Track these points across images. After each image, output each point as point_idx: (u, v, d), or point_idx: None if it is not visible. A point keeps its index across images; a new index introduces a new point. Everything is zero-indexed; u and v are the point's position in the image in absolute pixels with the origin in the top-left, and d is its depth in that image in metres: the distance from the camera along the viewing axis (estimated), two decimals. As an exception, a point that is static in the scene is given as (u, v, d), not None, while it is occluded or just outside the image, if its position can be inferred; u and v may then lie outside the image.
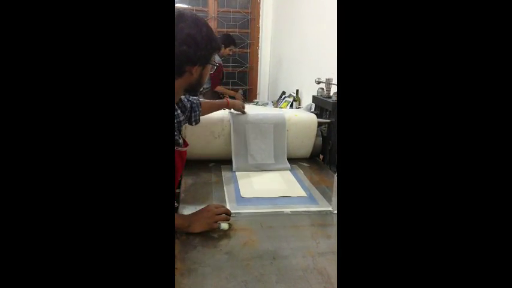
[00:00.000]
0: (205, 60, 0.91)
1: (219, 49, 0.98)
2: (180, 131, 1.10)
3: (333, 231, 0.97)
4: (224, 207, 0.98)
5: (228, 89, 3.56)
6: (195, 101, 1.23)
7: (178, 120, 1.05)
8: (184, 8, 3.76)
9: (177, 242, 0.87)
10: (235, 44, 3.22)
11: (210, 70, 0.97)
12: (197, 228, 0.91)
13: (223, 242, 0.88)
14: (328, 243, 0.90)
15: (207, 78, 0.98)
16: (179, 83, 0.90)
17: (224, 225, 0.92)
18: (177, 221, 0.89)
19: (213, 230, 0.91)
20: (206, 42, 0.88)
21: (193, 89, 0.97)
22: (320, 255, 0.84)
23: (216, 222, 0.92)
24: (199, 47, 0.87)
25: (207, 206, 0.97)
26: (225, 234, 0.92)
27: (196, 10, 3.88)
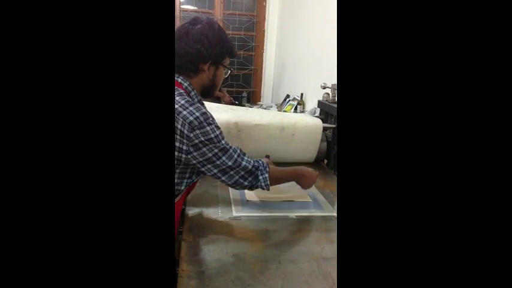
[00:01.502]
0: (217, 59, 0.97)
1: (232, 53, 1.01)
2: None
3: (336, 236, 0.97)
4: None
5: (227, 92, 3.58)
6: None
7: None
8: (196, 13, 3.80)
9: (183, 244, 0.88)
10: None
11: (224, 74, 1.01)
12: (307, 185, 1.12)
13: (230, 245, 0.89)
14: (332, 248, 0.91)
15: (221, 82, 1.02)
16: (195, 82, 0.97)
17: None
18: (288, 175, 1.10)
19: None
20: (218, 41, 0.95)
21: (208, 90, 1.01)
22: (325, 260, 0.85)
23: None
24: (211, 45, 0.94)
25: (310, 170, 1.13)
26: (231, 237, 0.93)
27: (202, 12, 3.90)
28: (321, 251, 0.89)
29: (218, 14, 3.98)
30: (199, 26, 0.94)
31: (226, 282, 0.74)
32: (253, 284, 0.74)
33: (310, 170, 1.13)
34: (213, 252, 0.86)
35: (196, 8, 3.90)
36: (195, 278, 0.75)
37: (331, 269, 0.81)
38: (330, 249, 0.90)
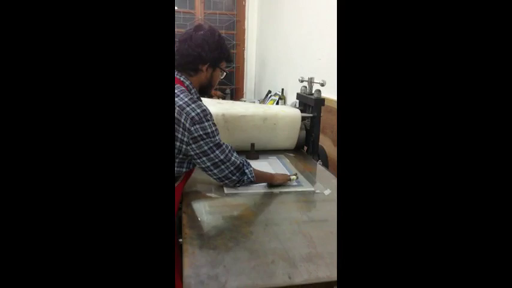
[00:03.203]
0: (215, 62, 1.14)
1: (229, 58, 1.19)
2: None
3: (314, 205, 1.16)
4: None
5: (216, 89, 3.75)
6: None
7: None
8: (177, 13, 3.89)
9: (184, 215, 1.03)
10: None
11: (220, 76, 1.18)
12: (279, 180, 1.25)
13: (224, 215, 1.04)
14: (310, 214, 1.07)
15: (217, 83, 1.20)
16: (194, 80, 1.14)
17: (293, 177, 1.28)
18: (265, 175, 1.24)
19: (286, 182, 1.27)
20: (216, 47, 1.12)
21: (205, 89, 1.18)
22: (304, 223, 1.01)
23: (288, 178, 1.27)
24: (210, 49, 1.11)
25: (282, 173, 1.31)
26: (225, 208, 1.09)
27: (183, 12, 4.02)
28: (301, 216, 1.05)
29: (199, 13, 4.11)
30: (201, 32, 1.11)
31: (223, 240, 0.90)
32: (245, 241, 0.90)
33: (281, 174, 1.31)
34: (210, 220, 1.01)
35: (176, 8, 4.01)
36: (197, 239, 0.90)
37: (310, 229, 0.97)
38: (308, 215, 1.06)
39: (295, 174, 1.31)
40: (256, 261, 0.81)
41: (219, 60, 1.16)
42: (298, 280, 0.75)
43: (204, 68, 1.13)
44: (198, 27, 1.13)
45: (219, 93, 3.72)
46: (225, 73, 1.21)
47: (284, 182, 1.27)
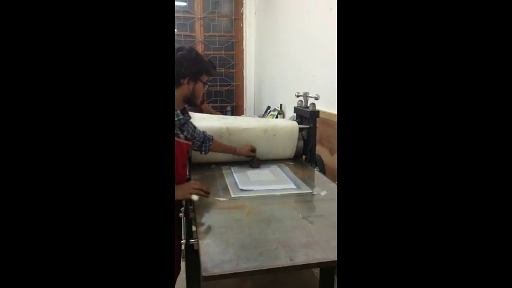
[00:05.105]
0: (194, 76, 1.31)
1: (208, 72, 1.36)
2: (180, 128, 1.41)
3: (312, 204, 1.29)
4: (202, 185, 1.26)
5: (212, 107, 3.92)
6: (207, 135, 1.58)
7: (178, 118, 1.37)
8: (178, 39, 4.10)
9: (196, 216, 1.16)
10: None
11: (203, 88, 1.35)
12: (177, 195, 1.18)
13: (231, 213, 1.18)
14: (308, 211, 1.21)
15: (201, 94, 1.36)
16: (178, 92, 1.31)
17: (194, 197, 1.18)
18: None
19: (186, 199, 1.21)
20: (193, 62, 1.31)
21: (189, 100, 1.35)
22: (303, 218, 1.15)
23: (191, 193, 1.19)
24: (188, 64, 1.29)
25: (189, 181, 1.33)
26: (232, 208, 1.22)
27: (184, 35, 4.23)
28: (299, 213, 1.19)
29: (199, 36, 4.32)
30: (180, 52, 1.30)
31: (232, 233, 1.03)
32: (252, 233, 1.03)
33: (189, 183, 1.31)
34: (219, 219, 1.14)
35: (177, 31, 4.22)
36: (209, 233, 1.03)
37: (308, 223, 1.11)
38: (306, 212, 1.20)
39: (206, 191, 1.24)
40: (262, 248, 0.94)
41: (199, 74, 1.33)
42: (298, 261, 0.88)
43: (185, 81, 1.30)
44: (179, 49, 1.32)
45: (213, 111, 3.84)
46: (206, 85, 1.38)
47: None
